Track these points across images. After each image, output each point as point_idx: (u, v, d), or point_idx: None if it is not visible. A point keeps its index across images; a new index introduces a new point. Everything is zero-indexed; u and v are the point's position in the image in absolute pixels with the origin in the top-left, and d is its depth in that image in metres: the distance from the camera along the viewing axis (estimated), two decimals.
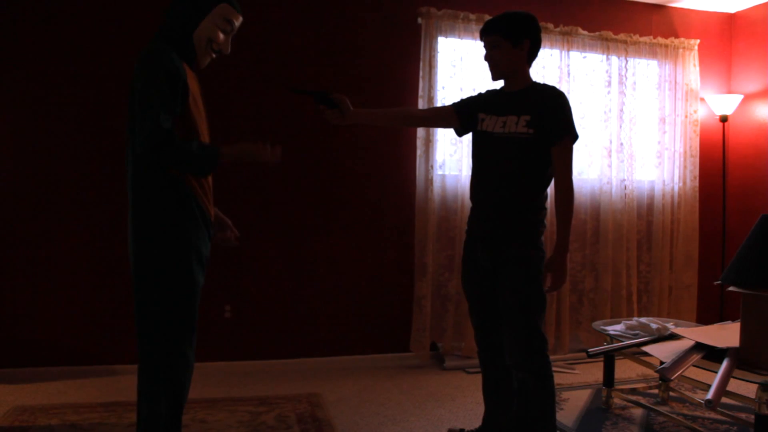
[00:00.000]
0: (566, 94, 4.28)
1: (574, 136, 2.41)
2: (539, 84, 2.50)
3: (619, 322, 3.28)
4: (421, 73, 3.96)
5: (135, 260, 2.03)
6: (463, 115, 2.60)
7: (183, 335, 2.03)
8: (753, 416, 2.44)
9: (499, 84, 2.57)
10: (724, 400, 2.90)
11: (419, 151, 3.98)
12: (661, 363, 2.49)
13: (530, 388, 2.42)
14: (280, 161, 2.09)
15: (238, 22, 2.14)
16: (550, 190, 2.61)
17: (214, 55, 2.15)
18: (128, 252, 2.09)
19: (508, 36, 2.41)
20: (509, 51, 2.42)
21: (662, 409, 3.16)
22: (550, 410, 2.44)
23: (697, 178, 4.54)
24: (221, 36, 2.10)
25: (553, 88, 2.47)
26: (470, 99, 2.65)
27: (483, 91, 2.65)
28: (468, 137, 3.99)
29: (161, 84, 1.92)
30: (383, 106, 3.97)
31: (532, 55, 2.48)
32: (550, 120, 2.37)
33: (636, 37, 4.37)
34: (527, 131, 2.38)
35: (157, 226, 1.99)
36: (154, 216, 1.99)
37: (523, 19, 2.44)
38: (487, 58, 2.48)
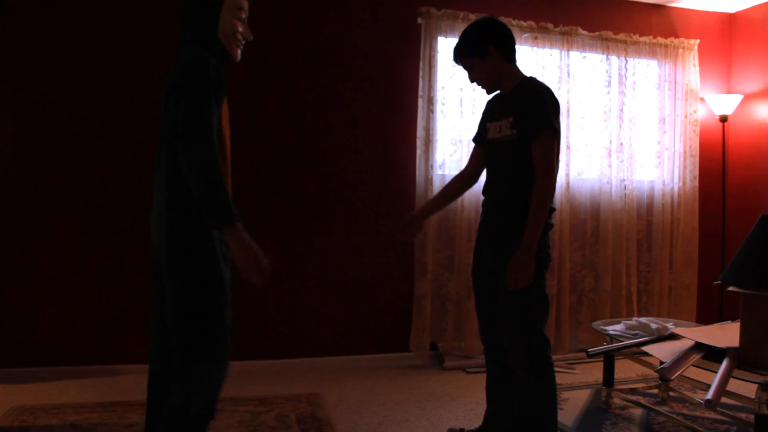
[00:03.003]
0: (566, 93, 4.31)
1: (553, 130, 2.34)
2: (526, 80, 2.48)
3: (619, 322, 3.27)
4: (421, 73, 3.96)
5: (168, 258, 2.00)
6: (483, 142, 2.63)
7: (219, 328, 2.01)
8: (753, 416, 2.44)
9: None
10: (724, 400, 2.90)
11: (419, 151, 3.98)
12: (661, 363, 2.49)
13: (531, 388, 2.42)
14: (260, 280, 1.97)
15: (247, 6, 2.15)
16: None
17: (241, 46, 2.16)
18: (149, 249, 2.09)
19: (473, 53, 2.44)
20: (482, 65, 2.45)
21: (662, 409, 3.16)
22: (551, 410, 2.44)
23: (697, 178, 4.54)
24: (240, 25, 2.11)
25: (532, 84, 2.43)
26: (481, 118, 2.68)
27: (490, 97, 2.67)
28: (467, 137, 4.02)
29: (210, 99, 1.91)
30: (383, 106, 3.98)
31: (507, 52, 2.46)
32: (527, 116, 2.36)
33: (636, 37, 4.38)
34: (512, 132, 2.40)
35: (188, 225, 1.98)
36: (184, 215, 1.98)
37: (477, 30, 2.45)
38: (470, 80, 2.53)
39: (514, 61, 2.50)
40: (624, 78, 4.36)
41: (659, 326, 3.00)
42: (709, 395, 2.17)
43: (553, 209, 2.49)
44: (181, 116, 1.88)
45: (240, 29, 2.09)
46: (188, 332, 1.99)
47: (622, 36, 4.33)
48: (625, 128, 4.35)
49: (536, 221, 2.32)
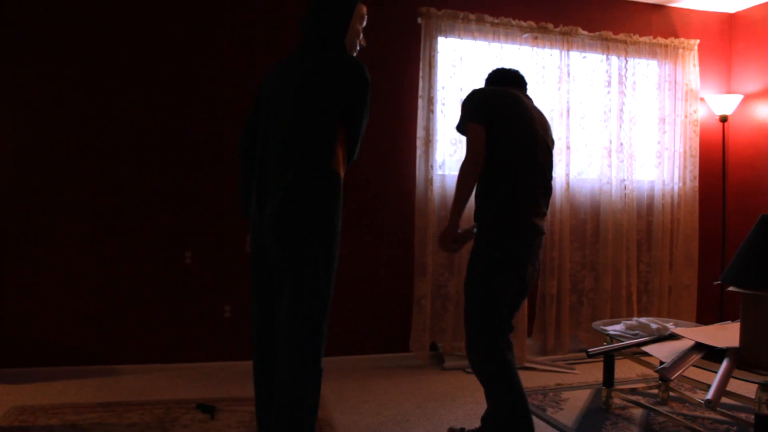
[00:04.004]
0: (566, 93, 4.32)
1: (471, 120, 2.47)
2: None
3: (619, 322, 3.28)
4: (421, 73, 3.96)
5: (298, 250, 2.09)
6: None
7: (326, 319, 2.20)
8: (753, 416, 2.44)
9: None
10: (724, 400, 2.90)
11: (419, 151, 3.98)
12: (661, 363, 2.49)
13: (484, 386, 2.50)
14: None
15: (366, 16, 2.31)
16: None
17: (357, 51, 2.32)
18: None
19: (462, 124, 2.56)
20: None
21: (662, 409, 3.16)
22: (507, 408, 2.41)
23: (697, 178, 4.54)
24: (361, 32, 2.28)
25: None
26: None
27: None
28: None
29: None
30: (383, 106, 3.97)
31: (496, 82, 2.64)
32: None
33: (636, 37, 4.38)
34: None
35: (325, 219, 2.11)
36: (321, 208, 2.09)
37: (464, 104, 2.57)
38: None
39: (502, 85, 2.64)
40: (624, 78, 4.36)
41: (659, 326, 3.00)
42: (709, 395, 2.17)
43: (543, 214, 2.51)
44: (358, 107, 2.15)
45: (361, 36, 2.29)
46: (304, 321, 2.13)
47: (622, 36, 4.33)
48: (625, 128, 4.35)
49: (455, 201, 2.45)
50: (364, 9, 2.27)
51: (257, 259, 2.27)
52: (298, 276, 2.10)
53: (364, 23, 2.29)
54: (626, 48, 4.36)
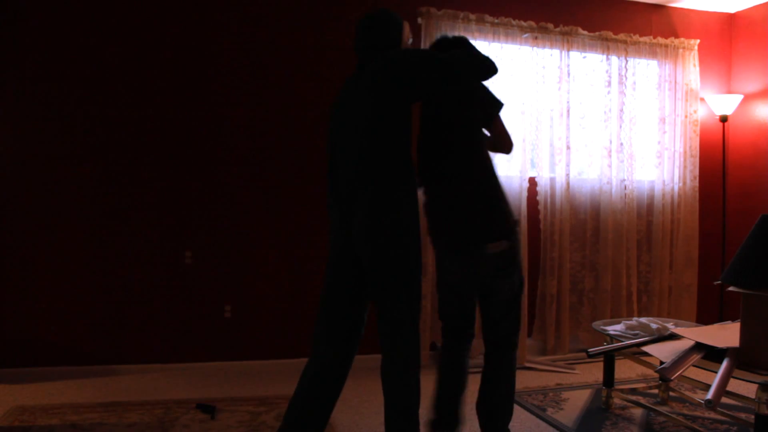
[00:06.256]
0: (566, 93, 4.31)
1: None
2: None
3: (619, 322, 3.27)
4: None
5: (387, 252, 2.20)
6: None
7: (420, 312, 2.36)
8: (753, 416, 2.44)
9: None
10: (724, 400, 2.90)
11: None
12: (661, 363, 2.49)
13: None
14: None
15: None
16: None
17: None
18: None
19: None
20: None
21: (662, 409, 3.16)
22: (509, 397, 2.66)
23: (697, 178, 4.54)
24: (411, 38, 2.49)
25: None
26: None
27: None
28: None
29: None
30: None
31: None
32: None
33: (636, 37, 4.38)
34: None
35: (407, 219, 2.21)
36: (402, 208, 2.20)
37: None
38: None
39: None
40: (624, 78, 4.36)
41: (659, 326, 3.00)
42: (709, 395, 2.17)
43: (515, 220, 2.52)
44: (444, 66, 2.24)
45: (410, 42, 2.49)
46: (402, 321, 2.31)
47: (622, 36, 4.33)
48: (625, 128, 4.35)
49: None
50: (408, 27, 2.47)
51: (335, 265, 2.46)
52: (392, 282, 2.23)
53: (410, 41, 2.47)
54: (626, 48, 4.36)
